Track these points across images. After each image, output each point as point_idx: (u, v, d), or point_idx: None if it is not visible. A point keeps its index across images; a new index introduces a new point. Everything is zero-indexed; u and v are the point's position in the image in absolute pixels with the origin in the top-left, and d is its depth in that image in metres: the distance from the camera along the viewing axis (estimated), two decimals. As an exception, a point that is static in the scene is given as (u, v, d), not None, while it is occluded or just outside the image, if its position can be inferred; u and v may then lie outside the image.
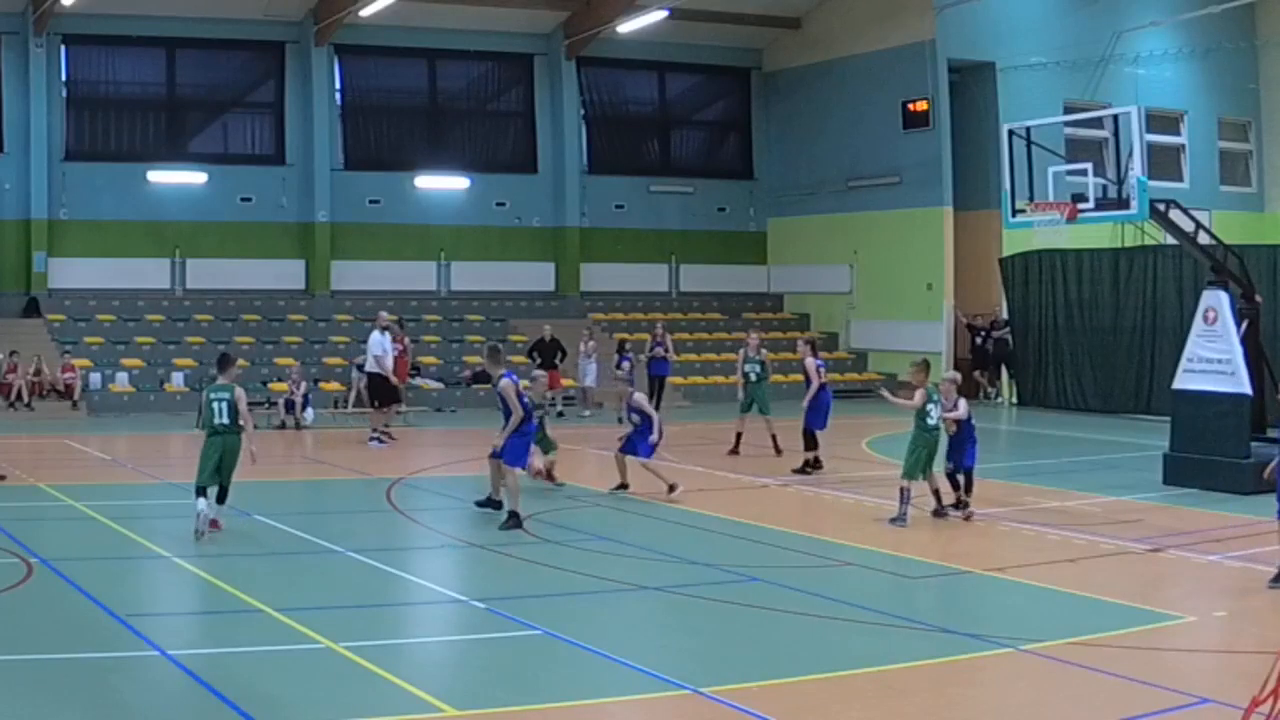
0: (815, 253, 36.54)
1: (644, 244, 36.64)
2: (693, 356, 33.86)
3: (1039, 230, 21.62)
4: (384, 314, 25.50)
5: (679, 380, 32.55)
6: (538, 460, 17.11)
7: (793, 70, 36.93)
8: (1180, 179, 35.06)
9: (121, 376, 28.51)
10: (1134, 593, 11.93)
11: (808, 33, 36.41)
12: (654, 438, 17.06)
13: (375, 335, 24.21)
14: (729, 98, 38.57)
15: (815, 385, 19.79)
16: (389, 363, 24.05)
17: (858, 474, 19.48)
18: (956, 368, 33.40)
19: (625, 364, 27.21)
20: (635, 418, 17.38)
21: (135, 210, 32.05)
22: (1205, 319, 18.17)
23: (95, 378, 28.33)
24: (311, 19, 32.97)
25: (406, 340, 27.59)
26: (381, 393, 23.86)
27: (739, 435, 22.04)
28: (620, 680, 9.15)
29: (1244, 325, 18.41)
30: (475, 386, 30.30)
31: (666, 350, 27.96)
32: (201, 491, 13.66)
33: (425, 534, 15.03)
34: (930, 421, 15.31)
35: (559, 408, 28.67)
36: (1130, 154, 18.52)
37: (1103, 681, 9.05)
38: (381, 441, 23.32)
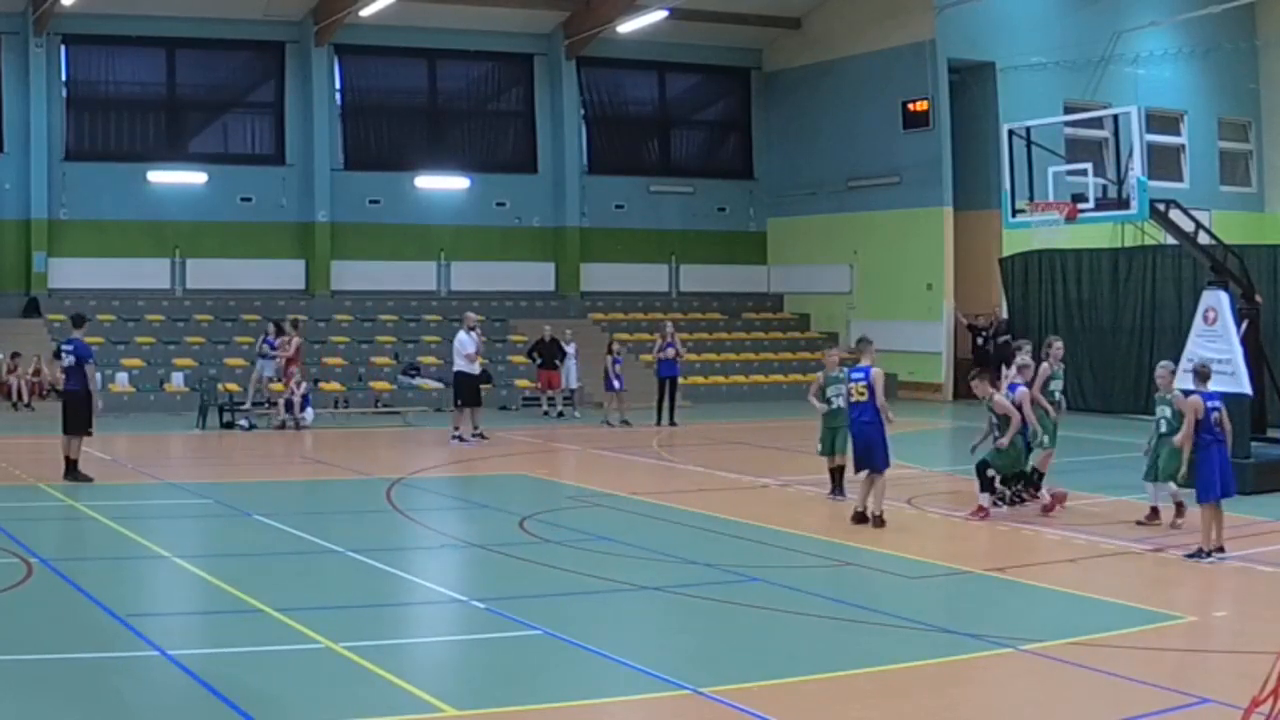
0: (815, 253, 36.56)
1: (644, 244, 36.65)
2: (693, 356, 33.84)
3: (1037, 230, 21.63)
4: (471, 314, 25.66)
5: (679, 380, 32.54)
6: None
7: (793, 70, 36.93)
8: (1180, 179, 35.06)
9: (121, 376, 28.49)
10: (1134, 593, 11.93)
11: (808, 33, 36.41)
12: None
13: (462, 335, 24.38)
14: (729, 98, 38.58)
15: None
16: (477, 365, 24.37)
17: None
18: (956, 368, 33.56)
19: (617, 365, 26.94)
20: None
21: (135, 210, 32.07)
22: (1205, 319, 18.17)
23: (96, 378, 28.25)
24: (311, 19, 32.98)
25: (297, 341, 26.95)
26: (467, 393, 23.91)
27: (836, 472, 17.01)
28: (620, 680, 9.15)
29: (1244, 325, 18.40)
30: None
31: (677, 352, 27.41)
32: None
33: (425, 534, 15.03)
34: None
35: (559, 408, 28.66)
36: (1130, 154, 18.52)
37: (1103, 681, 9.05)
38: (465, 440, 23.38)
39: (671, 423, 26.62)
